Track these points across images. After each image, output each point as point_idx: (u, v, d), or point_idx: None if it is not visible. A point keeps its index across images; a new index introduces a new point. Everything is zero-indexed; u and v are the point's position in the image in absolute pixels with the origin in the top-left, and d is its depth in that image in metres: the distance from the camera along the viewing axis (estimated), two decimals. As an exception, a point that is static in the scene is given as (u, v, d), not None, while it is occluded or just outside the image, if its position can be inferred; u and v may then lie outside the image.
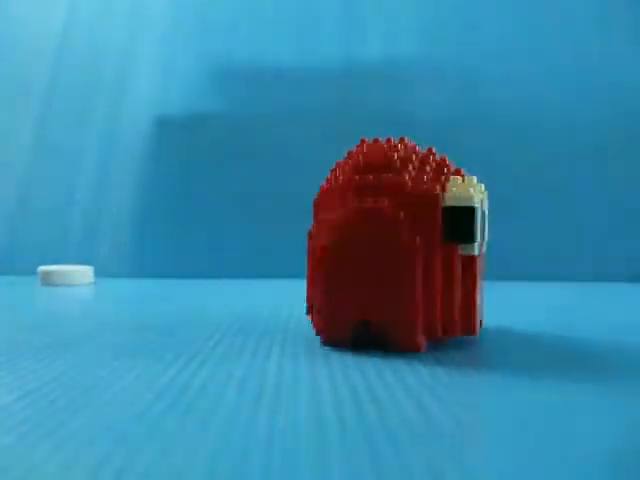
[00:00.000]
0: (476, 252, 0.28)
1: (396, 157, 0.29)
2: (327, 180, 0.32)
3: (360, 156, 0.30)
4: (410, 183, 0.28)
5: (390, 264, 0.28)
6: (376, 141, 0.31)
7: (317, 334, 0.30)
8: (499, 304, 0.45)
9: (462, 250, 0.28)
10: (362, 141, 0.32)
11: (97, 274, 0.71)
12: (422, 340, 0.28)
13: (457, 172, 0.30)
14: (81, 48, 0.80)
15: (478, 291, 0.29)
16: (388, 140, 0.31)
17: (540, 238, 0.67)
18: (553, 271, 0.66)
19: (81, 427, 0.17)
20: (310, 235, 0.31)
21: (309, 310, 0.32)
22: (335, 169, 0.32)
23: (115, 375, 0.23)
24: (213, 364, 0.26)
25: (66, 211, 0.74)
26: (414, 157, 0.30)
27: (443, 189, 0.28)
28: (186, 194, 0.72)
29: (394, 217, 0.28)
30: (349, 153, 0.32)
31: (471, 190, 0.28)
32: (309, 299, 0.32)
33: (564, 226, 0.67)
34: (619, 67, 0.70)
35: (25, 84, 0.80)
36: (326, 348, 0.29)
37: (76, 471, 0.14)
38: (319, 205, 0.31)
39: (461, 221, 0.28)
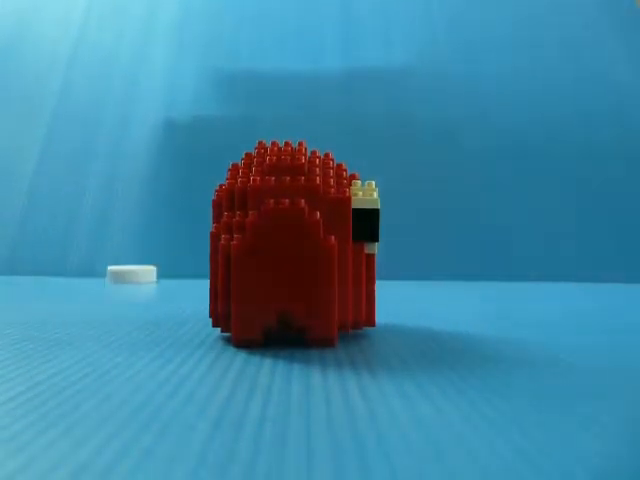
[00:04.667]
0: (376, 251, 0.31)
1: (304, 160, 0.31)
2: (228, 180, 0.31)
3: (270, 158, 0.30)
4: (321, 186, 0.30)
5: (308, 263, 0.29)
6: (275, 144, 0.32)
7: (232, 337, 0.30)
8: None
9: (367, 249, 0.31)
10: (260, 143, 0.32)
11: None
12: (337, 335, 0.30)
13: (353, 177, 0.32)
14: (94, 54, 0.87)
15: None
16: (287, 143, 0.32)
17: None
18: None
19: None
20: (214, 236, 0.31)
21: (214, 315, 0.31)
22: (236, 170, 0.32)
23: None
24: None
25: (74, 214, 0.78)
26: (317, 161, 0.31)
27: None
28: (192, 196, 0.76)
29: (312, 218, 0.29)
30: (248, 155, 0.32)
31: (375, 194, 0.31)
32: (215, 303, 0.31)
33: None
34: (611, 70, 0.82)
35: (39, 89, 0.86)
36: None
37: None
38: (222, 205, 0.31)
39: (368, 222, 0.30)
